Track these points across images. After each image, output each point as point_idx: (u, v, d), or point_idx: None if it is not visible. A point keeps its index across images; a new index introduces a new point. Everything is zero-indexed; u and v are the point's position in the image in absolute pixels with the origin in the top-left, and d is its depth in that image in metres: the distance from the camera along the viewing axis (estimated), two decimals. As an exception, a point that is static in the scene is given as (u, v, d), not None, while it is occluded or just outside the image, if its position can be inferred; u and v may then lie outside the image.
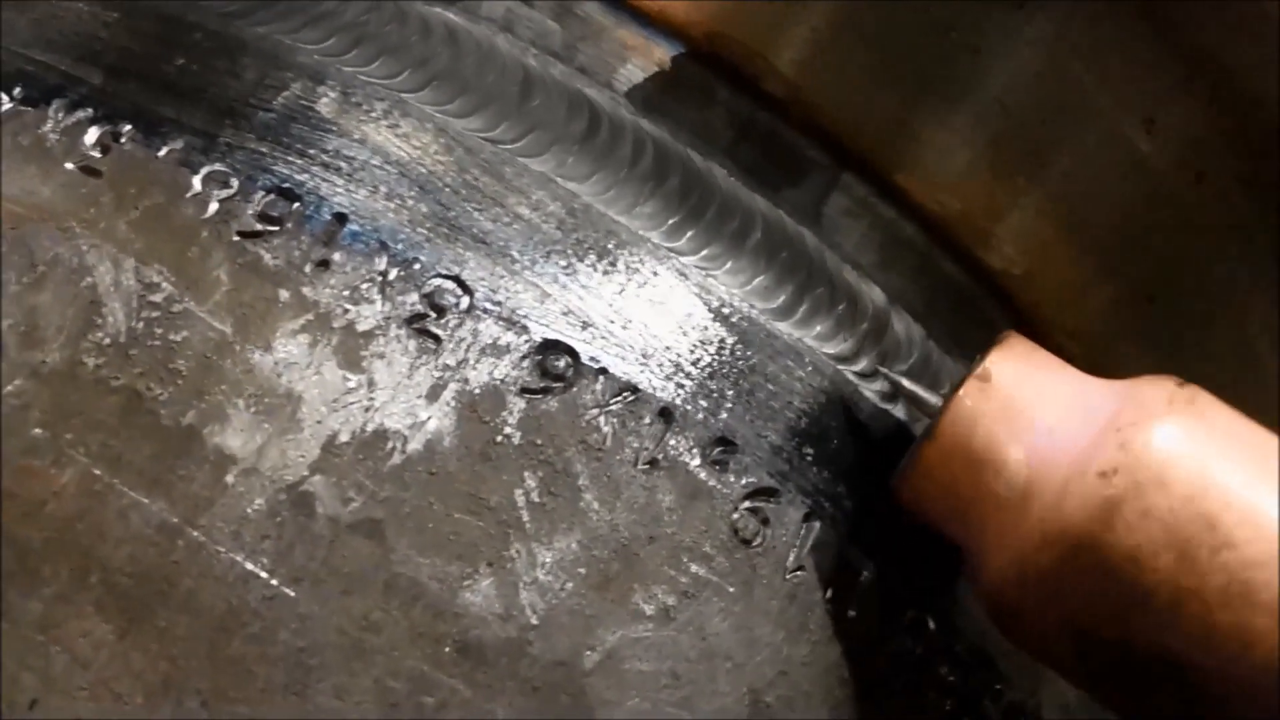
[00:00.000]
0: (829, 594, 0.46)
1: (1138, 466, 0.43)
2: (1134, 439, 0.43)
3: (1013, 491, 0.44)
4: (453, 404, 0.44)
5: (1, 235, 0.44)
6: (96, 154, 0.45)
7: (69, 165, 0.45)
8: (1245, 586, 0.42)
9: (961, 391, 0.46)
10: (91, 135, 0.46)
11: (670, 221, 0.49)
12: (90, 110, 0.46)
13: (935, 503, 0.46)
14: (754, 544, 0.45)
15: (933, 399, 0.48)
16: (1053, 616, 0.44)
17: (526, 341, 0.45)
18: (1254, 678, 0.42)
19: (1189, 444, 0.43)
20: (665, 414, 0.45)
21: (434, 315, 0.45)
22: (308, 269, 0.44)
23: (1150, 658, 0.43)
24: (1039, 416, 0.45)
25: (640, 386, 0.46)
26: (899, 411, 0.50)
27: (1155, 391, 0.45)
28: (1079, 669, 0.45)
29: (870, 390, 0.50)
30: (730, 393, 0.47)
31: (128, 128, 0.46)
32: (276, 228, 0.45)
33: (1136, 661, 0.43)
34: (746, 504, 0.46)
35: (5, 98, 0.46)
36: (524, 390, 0.44)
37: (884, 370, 0.49)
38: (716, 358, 0.47)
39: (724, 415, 0.46)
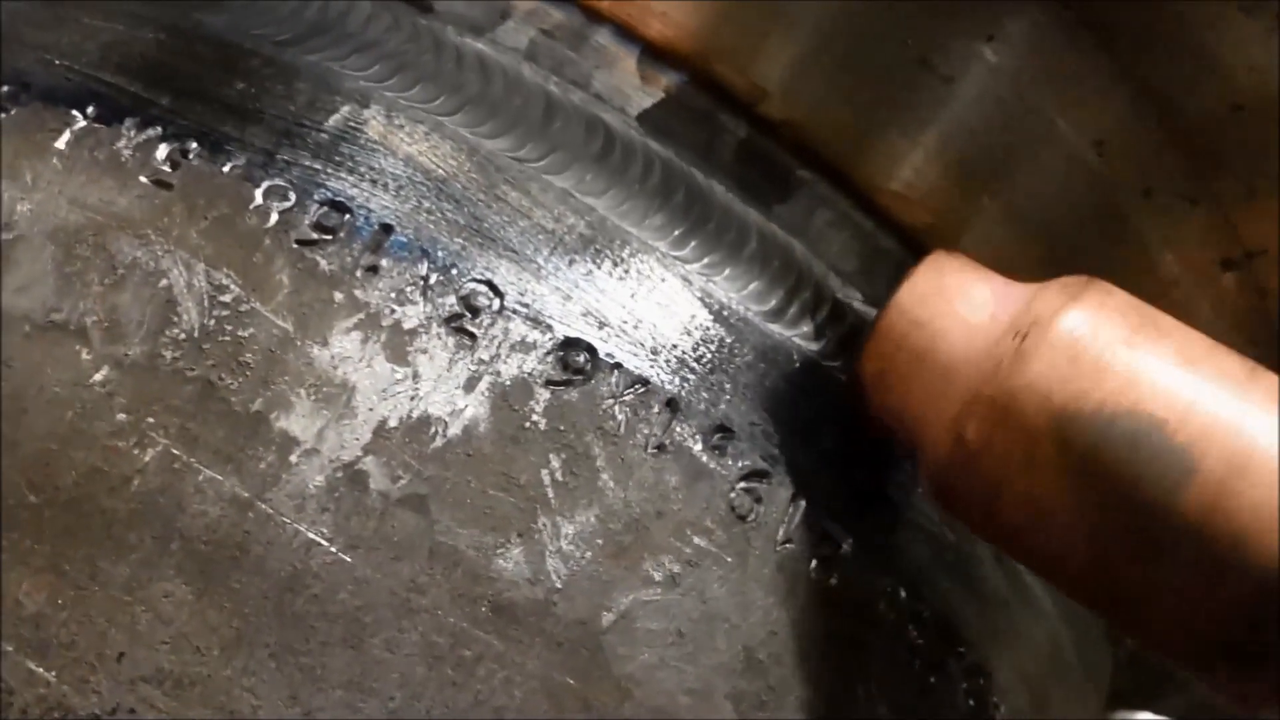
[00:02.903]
0: (814, 564, 0.50)
1: (1046, 329, 0.48)
2: (1044, 313, 0.48)
3: (948, 360, 0.49)
4: (487, 394, 0.47)
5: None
6: (167, 169, 0.48)
7: (143, 179, 0.48)
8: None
9: (910, 278, 0.51)
10: (162, 152, 0.49)
11: (676, 233, 0.52)
12: (160, 129, 0.49)
13: (883, 384, 0.50)
14: (748, 519, 0.49)
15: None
16: (979, 482, 0.48)
17: (550, 339, 0.49)
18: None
19: (1089, 320, 0.48)
20: (672, 404, 0.49)
21: (470, 315, 0.48)
22: (359, 274, 0.48)
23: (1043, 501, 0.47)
24: (970, 299, 0.50)
25: (650, 379, 0.49)
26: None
27: (1061, 284, 0.50)
28: (1007, 533, 0.49)
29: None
30: (729, 385, 0.51)
31: (194, 145, 0.49)
32: (330, 236, 0.48)
33: (1039, 507, 0.47)
34: (742, 484, 0.50)
35: (79, 115, 0.49)
36: (549, 382, 0.48)
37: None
38: (717, 354, 0.51)
39: (723, 405, 0.50)
